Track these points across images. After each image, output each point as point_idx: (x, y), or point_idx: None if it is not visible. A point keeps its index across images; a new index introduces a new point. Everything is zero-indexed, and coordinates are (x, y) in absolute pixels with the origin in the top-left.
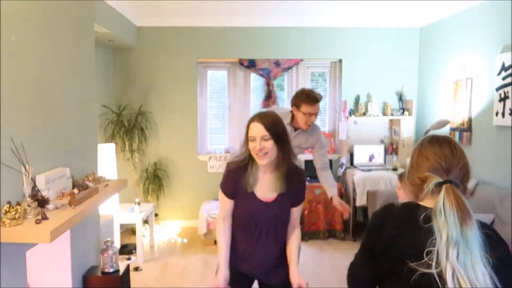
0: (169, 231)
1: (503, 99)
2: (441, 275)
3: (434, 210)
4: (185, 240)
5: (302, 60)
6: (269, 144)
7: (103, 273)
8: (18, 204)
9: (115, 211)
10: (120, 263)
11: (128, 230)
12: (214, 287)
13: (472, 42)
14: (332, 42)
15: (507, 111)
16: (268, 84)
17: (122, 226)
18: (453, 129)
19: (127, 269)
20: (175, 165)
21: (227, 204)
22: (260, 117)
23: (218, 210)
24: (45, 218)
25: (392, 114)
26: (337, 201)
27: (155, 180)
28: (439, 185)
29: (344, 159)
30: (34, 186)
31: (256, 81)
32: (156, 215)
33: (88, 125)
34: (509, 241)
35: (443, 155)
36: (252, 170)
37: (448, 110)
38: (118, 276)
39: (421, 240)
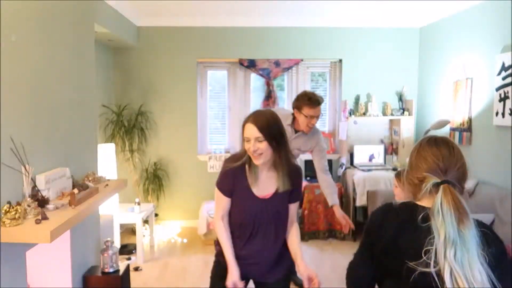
0: (169, 231)
1: (503, 99)
2: (439, 274)
3: (432, 210)
4: (185, 240)
5: (302, 60)
6: (263, 145)
7: (103, 273)
8: (18, 204)
9: (115, 211)
10: (120, 263)
11: (128, 230)
12: (231, 284)
13: (472, 42)
14: (332, 42)
15: (507, 111)
16: (268, 84)
17: (122, 226)
18: (453, 129)
19: (127, 269)
20: (175, 165)
21: (224, 202)
22: (254, 118)
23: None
24: (45, 218)
25: (392, 114)
26: (340, 214)
27: (155, 180)
28: (436, 185)
29: (344, 159)
30: (34, 186)
31: (256, 81)
32: (156, 215)
33: (88, 125)
34: (509, 241)
35: (441, 155)
36: (251, 168)
37: (448, 110)
38: (118, 276)
39: (419, 240)
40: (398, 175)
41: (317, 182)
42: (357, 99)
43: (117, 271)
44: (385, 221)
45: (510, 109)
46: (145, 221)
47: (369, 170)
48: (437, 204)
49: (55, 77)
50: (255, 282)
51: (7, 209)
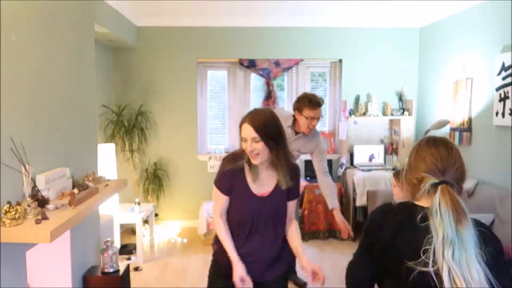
0: (169, 231)
1: (503, 99)
2: (438, 274)
3: (430, 210)
4: (185, 240)
5: (302, 60)
6: (260, 146)
7: (103, 273)
8: (18, 204)
9: (115, 211)
10: (120, 263)
11: (128, 230)
12: (239, 282)
13: (472, 42)
14: (332, 42)
15: (507, 111)
16: (268, 84)
17: (122, 226)
18: (453, 129)
19: (127, 269)
20: (175, 165)
21: (223, 200)
22: (251, 118)
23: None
24: (45, 218)
25: (392, 114)
26: (339, 219)
27: (155, 180)
28: (435, 186)
29: (344, 159)
30: (34, 186)
31: (256, 81)
32: (156, 215)
33: (88, 125)
34: (509, 241)
35: (439, 156)
36: (251, 166)
37: (448, 110)
38: (118, 276)
39: (417, 239)
40: (396, 174)
41: (317, 182)
42: (357, 99)
43: (117, 271)
44: (384, 221)
45: (510, 109)
46: (145, 221)
47: (369, 170)
48: (435, 204)
49: (55, 77)
50: (253, 282)
51: (7, 209)
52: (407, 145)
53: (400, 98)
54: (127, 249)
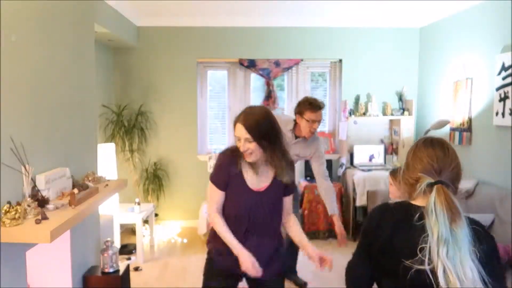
0: (169, 231)
1: (503, 99)
2: (433, 272)
3: (426, 209)
4: (185, 240)
5: (302, 60)
6: (253, 146)
7: (103, 273)
8: (18, 204)
9: (115, 211)
10: (120, 263)
11: (128, 230)
12: (252, 268)
13: (472, 42)
14: (332, 42)
15: (507, 111)
16: (268, 84)
17: (122, 226)
18: (453, 129)
19: (127, 269)
20: (175, 165)
21: (218, 196)
22: (244, 118)
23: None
24: (45, 218)
25: (392, 114)
26: (338, 226)
27: (155, 180)
28: (430, 186)
29: (344, 159)
30: (34, 186)
31: (256, 81)
32: (156, 215)
33: (88, 125)
34: (509, 240)
35: (435, 157)
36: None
37: (448, 110)
38: (118, 276)
39: (414, 238)
40: (392, 173)
41: (317, 186)
42: (357, 99)
43: (117, 271)
44: (382, 221)
45: (510, 109)
46: (145, 221)
47: (369, 170)
48: (431, 204)
49: (55, 77)
50: (249, 280)
51: (7, 209)
52: (407, 145)
53: (400, 98)
54: (127, 249)
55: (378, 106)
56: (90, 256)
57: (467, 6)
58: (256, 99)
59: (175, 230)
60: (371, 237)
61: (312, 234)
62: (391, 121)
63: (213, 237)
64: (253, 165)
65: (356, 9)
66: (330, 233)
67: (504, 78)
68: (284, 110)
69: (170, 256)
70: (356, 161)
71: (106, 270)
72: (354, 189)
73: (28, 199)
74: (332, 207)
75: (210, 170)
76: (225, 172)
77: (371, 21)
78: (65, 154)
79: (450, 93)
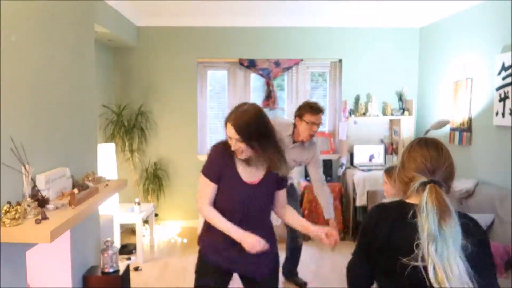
0: (169, 231)
1: (503, 99)
2: (426, 268)
3: (418, 208)
4: (185, 240)
5: (302, 60)
6: (243, 145)
7: (103, 273)
8: (18, 204)
9: (115, 211)
10: (120, 263)
11: (128, 230)
12: (258, 243)
13: (472, 42)
14: (332, 42)
15: (507, 111)
16: (268, 84)
17: (122, 226)
18: (453, 129)
19: (127, 269)
20: (175, 165)
21: (210, 189)
22: (234, 118)
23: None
24: (45, 218)
25: (392, 114)
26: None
27: (155, 180)
28: (424, 185)
29: (344, 159)
30: (34, 186)
31: (256, 81)
32: (156, 215)
33: (88, 125)
34: (509, 240)
35: (429, 156)
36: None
37: (448, 110)
38: (118, 276)
39: (410, 236)
40: (387, 171)
41: (314, 191)
42: (357, 99)
43: (117, 271)
44: (380, 220)
45: (510, 109)
46: (145, 221)
47: (369, 170)
48: (423, 202)
49: (55, 77)
50: (241, 277)
51: (7, 209)
52: (407, 145)
53: (400, 98)
54: (127, 249)
55: (378, 106)
56: (90, 256)
57: (467, 6)
58: (256, 99)
59: (175, 230)
60: (370, 236)
61: None
62: (391, 121)
63: (204, 234)
64: (246, 159)
65: (356, 9)
66: None
67: (504, 78)
68: (284, 110)
69: (170, 256)
70: (356, 161)
71: (106, 270)
72: (354, 189)
73: (28, 199)
74: (329, 211)
75: None
76: (217, 164)
77: (371, 21)
78: (65, 154)
79: (450, 93)
